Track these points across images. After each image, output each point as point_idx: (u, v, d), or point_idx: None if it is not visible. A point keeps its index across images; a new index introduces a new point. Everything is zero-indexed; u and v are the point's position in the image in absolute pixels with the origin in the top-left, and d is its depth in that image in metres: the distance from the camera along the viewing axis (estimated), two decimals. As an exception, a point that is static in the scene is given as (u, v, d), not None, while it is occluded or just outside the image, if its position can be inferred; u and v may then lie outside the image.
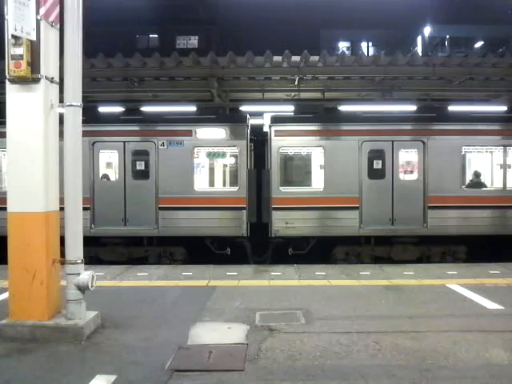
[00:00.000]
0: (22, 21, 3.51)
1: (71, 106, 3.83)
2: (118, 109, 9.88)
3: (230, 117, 9.67)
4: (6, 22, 3.55)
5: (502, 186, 8.34)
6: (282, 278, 6.11)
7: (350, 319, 4.24)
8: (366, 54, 22.98)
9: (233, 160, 8.48)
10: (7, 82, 3.73)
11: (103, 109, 9.59)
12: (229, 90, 10.57)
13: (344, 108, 9.80)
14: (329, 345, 3.58)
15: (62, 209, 3.89)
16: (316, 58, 9.33)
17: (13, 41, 3.58)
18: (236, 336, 3.81)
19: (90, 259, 7.87)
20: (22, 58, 3.59)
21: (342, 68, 9.71)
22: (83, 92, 3.96)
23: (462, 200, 8.08)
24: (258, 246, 8.49)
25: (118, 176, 8.45)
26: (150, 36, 24.71)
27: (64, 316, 3.86)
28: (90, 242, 7.22)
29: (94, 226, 8.11)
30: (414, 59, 9.73)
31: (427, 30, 25.90)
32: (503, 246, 8.11)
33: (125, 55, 9.43)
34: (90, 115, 7.20)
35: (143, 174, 8.26)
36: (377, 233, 8.19)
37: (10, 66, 3.63)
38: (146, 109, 9.82)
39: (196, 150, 8.32)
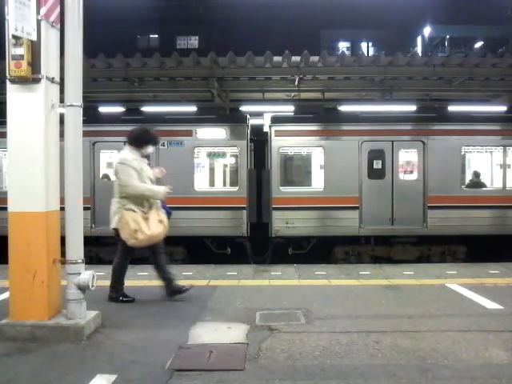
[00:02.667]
0: (22, 21, 3.51)
1: (72, 106, 3.83)
2: (118, 109, 9.89)
3: (230, 117, 9.68)
4: (6, 22, 3.55)
5: (501, 185, 8.36)
6: (282, 278, 6.11)
7: (349, 319, 4.24)
8: (366, 54, 22.99)
9: (233, 160, 8.50)
10: (8, 82, 3.73)
11: (104, 109, 9.60)
12: (229, 90, 10.59)
13: (344, 108, 9.82)
14: (329, 344, 3.58)
15: (62, 208, 3.90)
16: (316, 58, 9.35)
17: (13, 41, 3.58)
18: (236, 336, 3.82)
19: (91, 259, 7.88)
20: (23, 58, 3.59)
21: (342, 68, 9.73)
22: (84, 92, 3.97)
23: (462, 200, 8.10)
24: (258, 245, 8.50)
25: (118, 176, 8.45)
26: (151, 36, 24.72)
27: (64, 316, 3.86)
28: (90, 241, 7.22)
29: (94, 226, 8.12)
30: (413, 59, 9.75)
31: (427, 31, 25.90)
32: (503, 245, 8.12)
33: (125, 55, 9.45)
34: (90, 115, 7.22)
35: (143, 174, 8.26)
36: (377, 233, 8.20)
37: (11, 66, 3.63)
38: (146, 109, 9.83)
39: (196, 150, 8.33)
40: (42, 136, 3.74)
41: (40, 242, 3.74)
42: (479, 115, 8.85)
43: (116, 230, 4.69)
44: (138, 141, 4.79)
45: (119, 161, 4.66)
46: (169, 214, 5.06)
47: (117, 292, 4.82)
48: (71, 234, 3.87)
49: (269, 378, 3.02)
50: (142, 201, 4.63)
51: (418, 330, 3.91)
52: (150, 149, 4.91)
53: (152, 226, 4.57)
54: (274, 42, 13.21)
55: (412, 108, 9.61)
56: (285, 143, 8.25)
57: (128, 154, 4.71)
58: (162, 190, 4.68)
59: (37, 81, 3.70)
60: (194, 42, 24.38)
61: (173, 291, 4.86)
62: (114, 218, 4.69)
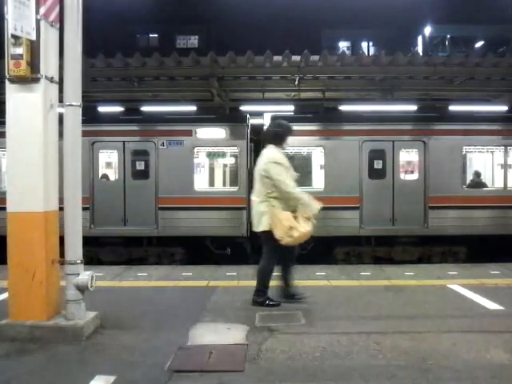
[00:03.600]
0: (21, 20, 3.50)
1: (71, 105, 3.82)
2: (117, 108, 9.87)
3: (230, 117, 9.67)
4: (5, 21, 3.54)
5: (502, 185, 8.34)
6: (282, 278, 6.08)
7: (350, 320, 4.23)
8: (366, 53, 22.96)
9: (233, 160, 8.48)
10: (7, 82, 3.72)
11: (103, 108, 9.58)
12: (229, 89, 10.56)
13: (344, 108, 9.79)
14: (329, 345, 3.57)
15: (61, 209, 3.89)
16: (316, 57, 9.32)
17: (12, 40, 3.57)
18: (236, 336, 3.80)
19: (90, 259, 7.87)
20: (22, 58, 3.58)
21: (343, 68, 9.70)
22: (83, 92, 3.95)
23: (463, 200, 8.08)
24: (258, 246, 8.48)
25: (117, 176, 8.45)
26: (150, 36, 24.70)
27: (63, 316, 3.85)
28: (89, 242, 7.20)
29: (93, 226, 8.11)
30: (414, 59, 9.71)
31: (428, 30, 25.88)
32: (504, 246, 8.10)
33: (125, 55, 9.41)
34: (89, 115, 7.20)
35: (143, 174, 8.27)
36: (377, 233, 8.18)
37: (10, 66, 3.62)
38: (145, 108, 9.81)
39: (196, 149, 8.31)
40: (41, 136, 3.73)
41: (39, 243, 3.73)
42: (480, 115, 8.83)
43: (265, 232, 4.50)
44: (278, 137, 4.69)
45: (271, 160, 4.51)
46: None
47: (263, 296, 4.66)
48: (70, 234, 3.86)
49: (269, 379, 3.01)
50: (287, 201, 4.51)
51: (418, 331, 3.89)
52: (289, 140, 4.79)
53: (303, 224, 4.46)
54: (274, 42, 13.17)
55: (413, 108, 9.59)
56: (285, 143, 8.22)
57: (277, 152, 4.61)
58: (313, 204, 4.49)
59: (36, 80, 3.68)
60: (193, 41, 24.36)
61: (288, 295, 4.74)
62: (263, 220, 4.50)
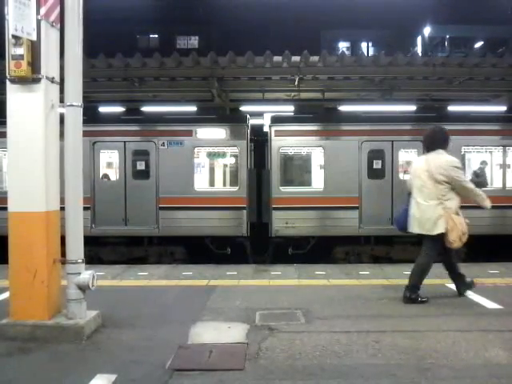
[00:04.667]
0: (22, 21, 3.52)
1: (72, 106, 3.83)
2: (118, 109, 9.89)
3: (230, 117, 9.69)
4: (6, 21, 3.56)
5: (501, 185, 8.35)
6: (282, 278, 6.11)
7: (349, 319, 4.24)
8: (366, 54, 22.99)
9: (233, 160, 8.51)
10: (7, 82, 3.73)
11: (104, 109, 9.60)
12: (229, 90, 10.57)
13: (344, 108, 9.81)
14: (328, 344, 3.58)
15: (62, 208, 3.90)
16: (316, 58, 9.33)
17: (13, 41, 3.58)
18: (236, 335, 3.82)
19: (91, 259, 7.89)
20: (23, 58, 3.59)
21: (342, 68, 9.70)
22: (84, 92, 3.97)
23: (462, 200, 8.07)
24: (258, 245, 8.51)
25: (118, 176, 8.48)
26: (151, 36, 24.76)
27: (65, 315, 3.87)
28: (90, 241, 7.23)
29: (94, 226, 8.13)
30: (413, 59, 9.72)
31: (427, 30, 25.93)
32: (503, 246, 8.12)
33: (125, 55, 9.43)
34: (90, 115, 7.23)
35: (144, 174, 8.29)
36: (377, 232, 8.20)
37: (11, 66, 3.63)
38: (146, 109, 9.83)
39: (196, 149, 8.34)
40: (42, 136, 3.75)
41: (40, 242, 3.74)
42: (479, 115, 8.85)
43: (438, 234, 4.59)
44: (446, 142, 4.77)
45: (451, 164, 4.59)
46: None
47: (416, 292, 4.77)
48: (71, 233, 3.87)
49: (269, 378, 3.03)
50: (459, 203, 4.67)
51: (417, 330, 3.91)
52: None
53: (465, 226, 4.58)
54: (274, 43, 13.21)
55: (412, 108, 9.61)
56: (285, 143, 8.26)
57: (451, 156, 4.70)
58: (486, 199, 4.70)
59: (37, 81, 3.70)
60: (193, 41, 24.42)
61: (465, 288, 4.94)
62: (439, 223, 4.56)
